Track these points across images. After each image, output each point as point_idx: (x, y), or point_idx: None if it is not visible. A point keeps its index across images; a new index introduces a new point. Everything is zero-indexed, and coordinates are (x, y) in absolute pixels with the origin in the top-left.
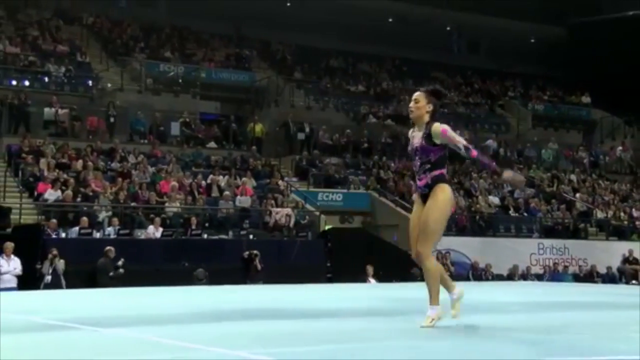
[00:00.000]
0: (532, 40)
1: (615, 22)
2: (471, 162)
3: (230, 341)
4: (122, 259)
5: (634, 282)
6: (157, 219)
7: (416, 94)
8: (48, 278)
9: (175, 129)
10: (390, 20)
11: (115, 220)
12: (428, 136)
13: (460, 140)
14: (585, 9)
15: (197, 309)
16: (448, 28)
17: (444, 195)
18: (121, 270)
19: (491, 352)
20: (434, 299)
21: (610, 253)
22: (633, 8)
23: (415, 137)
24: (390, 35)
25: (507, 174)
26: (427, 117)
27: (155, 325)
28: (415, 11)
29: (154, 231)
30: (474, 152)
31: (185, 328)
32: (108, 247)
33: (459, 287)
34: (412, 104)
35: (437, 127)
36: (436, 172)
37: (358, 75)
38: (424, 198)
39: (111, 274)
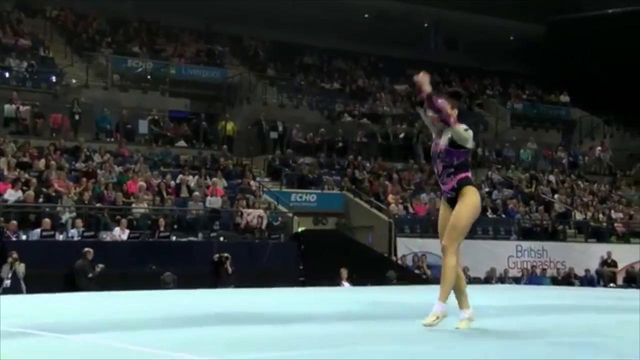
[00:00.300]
0: (511, 38)
1: (594, 20)
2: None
3: (198, 347)
4: (102, 265)
5: (611, 284)
6: (124, 221)
7: (440, 101)
8: (7, 282)
9: (143, 127)
10: (367, 16)
11: (80, 222)
12: (452, 140)
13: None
14: (565, 7)
15: (165, 313)
16: (426, 25)
17: (473, 198)
18: (100, 268)
19: (471, 355)
20: (442, 295)
21: (588, 255)
22: (613, 6)
23: (441, 139)
24: (366, 31)
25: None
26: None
27: (121, 330)
28: (392, 7)
29: (120, 233)
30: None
31: (151, 334)
32: (87, 249)
33: (470, 310)
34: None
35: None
36: (461, 175)
37: (333, 72)
38: (451, 202)
39: (90, 275)
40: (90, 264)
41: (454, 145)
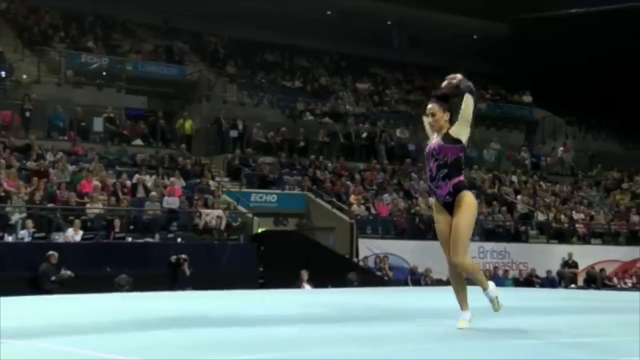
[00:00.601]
0: (475, 37)
1: (558, 19)
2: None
3: (153, 351)
4: (69, 272)
5: (572, 285)
6: (77, 222)
7: (430, 106)
8: None
9: (98, 124)
10: (329, 13)
11: (30, 223)
12: (447, 135)
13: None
14: (528, 6)
15: (119, 317)
16: (389, 22)
17: (471, 205)
18: (68, 273)
19: (431, 356)
20: (481, 283)
21: (550, 256)
22: (576, 6)
23: (434, 140)
24: (329, 28)
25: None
26: (447, 126)
27: (73, 335)
28: (355, 5)
29: (73, 234)
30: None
31: (105, 338)
32: (51, 252)
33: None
34: (430, 119)
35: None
36: (455, 180)
37: (294, 70)
38: (447, 206)
39: (53, 278)
40: (56, 268)
41: (449, 139)
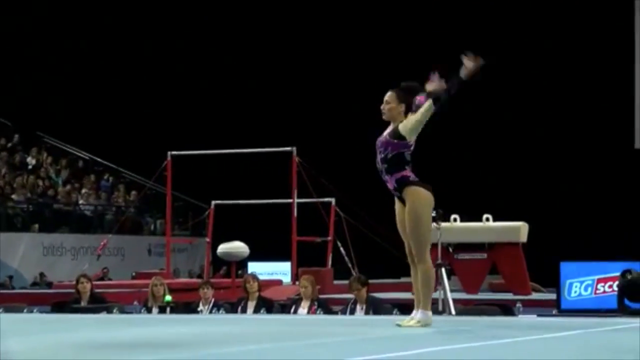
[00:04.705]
0: None
1: None
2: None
3: None
4: None
5: None
6: None
7: (387, 94)
8: None
9: None
10: None
11: None
12: (395, 129)
13: (420, 111)
14: None
15: None
16: None
17: (417, 202)
18: None
19: None
20: (425, 303)
21: None
22: None
23: (386, 131)
24: None
25: (466, 68)
26: (400, 118)
27: None
28: None
29: None
30: (430, 100)
31: None
32: None
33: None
34: (382, 105)
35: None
36: (398, 175)
37: None
38: (401, 200)
39: None
40: None
41: (394, 135)
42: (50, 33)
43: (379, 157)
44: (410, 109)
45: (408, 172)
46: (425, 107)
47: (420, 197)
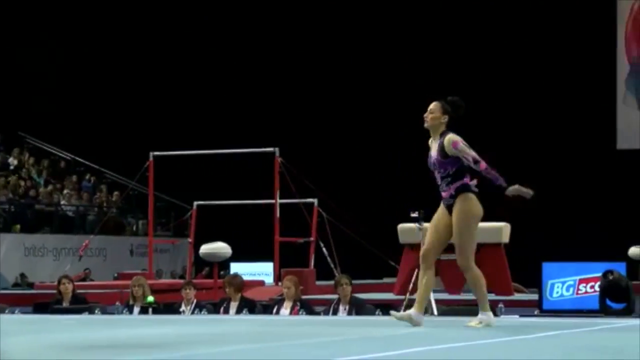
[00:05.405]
0: None
1: None
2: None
3: None
4: None
5: None
6: None
7: (432, 104)
8: None
9: None
10: None
11: None
12: (442, 149)
13: (469, 153)
14: None
15: None
16: None
17: (466, 208)
18: None
19: None
20: (482, 305)
21: None
22: None
23: (432, 149)
24: None
25: (514, 187)
26: (442, 128)
27: None
28: None
29: None
30: (483, 165)
31: None
32: None
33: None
34: (426, 113)
35: (449, 140)
36: (458, 183)
37: None
38: (449, 208)
39: None
40: None
41: (443, 155)
42: (32, 34)
43: (437, 175)
44: (450, 123)
45: (468, 180)
46: (472, 159)
47: (472, 206)
